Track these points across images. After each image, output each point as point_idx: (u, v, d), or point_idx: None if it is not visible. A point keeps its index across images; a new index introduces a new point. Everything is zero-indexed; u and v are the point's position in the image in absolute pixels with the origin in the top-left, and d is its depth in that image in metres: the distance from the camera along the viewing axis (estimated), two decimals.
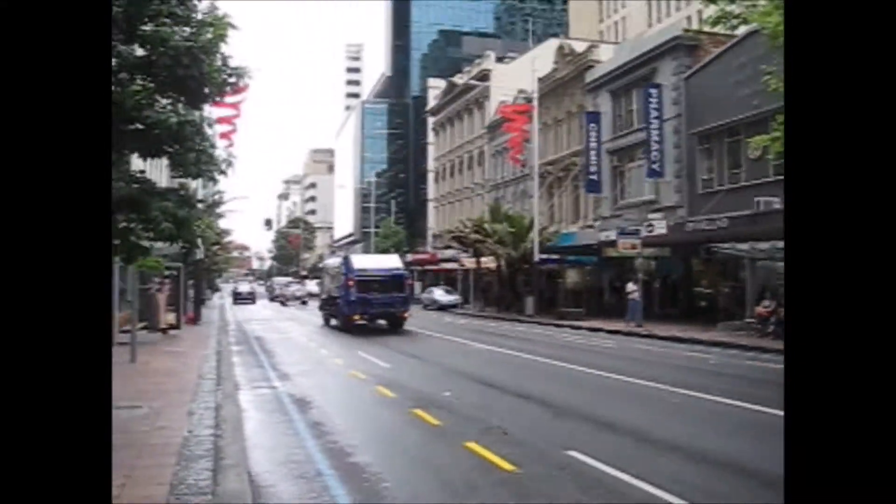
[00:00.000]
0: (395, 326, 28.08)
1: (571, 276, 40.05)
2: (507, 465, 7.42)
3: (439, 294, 49.08)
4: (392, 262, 30.76)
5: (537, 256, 35.81)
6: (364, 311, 27.37)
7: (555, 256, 37.65)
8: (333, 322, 30.47)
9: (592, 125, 36.67)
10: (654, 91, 31.23)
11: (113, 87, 9.78)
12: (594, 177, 36.39)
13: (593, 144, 36.36)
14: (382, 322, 28.36)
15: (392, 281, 28.02)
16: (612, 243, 29.22)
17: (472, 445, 8.26)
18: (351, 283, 27.38)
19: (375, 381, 13.82)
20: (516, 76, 46.86)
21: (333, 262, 35.63)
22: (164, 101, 9.88)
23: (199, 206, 11.76)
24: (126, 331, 16.82)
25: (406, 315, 28.38)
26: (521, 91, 44.53)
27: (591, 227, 37.38)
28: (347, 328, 27.41)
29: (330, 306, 31.60)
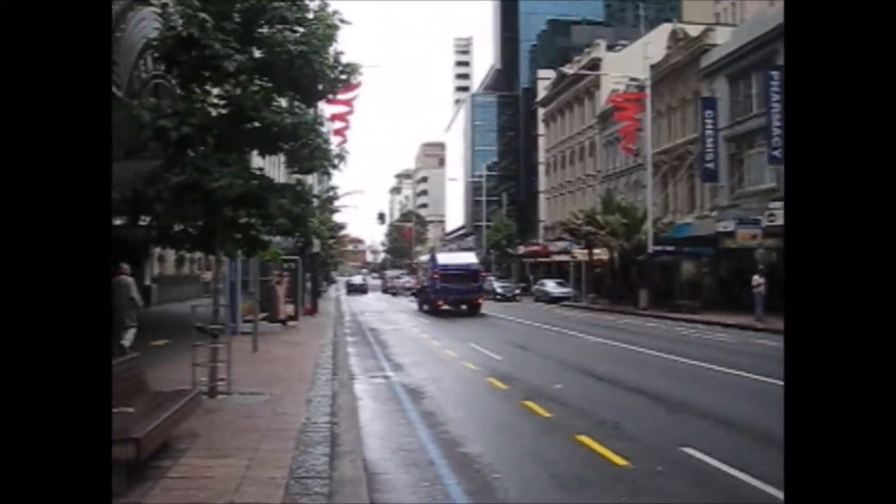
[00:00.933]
0: (472, 311, 33.32)
1: (686, 269, 38.83)
2: (619, 460, 7.31)
3: (551, 286, 48.67)
4: (468, 258, 38.21)
5: (651, 248, 34.93)
6: (446, 297, 33.31)
7: (669, 248, 36.56)
8: (425, 307, 36.02)
9: (708, 111, 35.34)
10: (775, 74, 29.70)
11: (233, 89, 10.28)
12: (711, 165, 35.09)
13: (710, 131, 35.05)
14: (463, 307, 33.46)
15: (468, 274, 34.31)
16: (731, 234, 28.13)
17: (584, 439, 8.18)
18: (436, 275, 34.10)
19: (487, 373, 13.90)
20: (627, 64, 45.71)
21: (425, 258, 45.30)
22: (281, 100, 10.25)
23: (315, 201, 12.13)
24: (249, 321, 17.58)
25: (480, 301, 34.52)
26: (632, 79, 43.44)
27: (707, 217, 36.10)
28: (435, 312, 33.16)
29: (422, 294, 38.79)
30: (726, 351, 17.75)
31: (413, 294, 50.10)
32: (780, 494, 6.16)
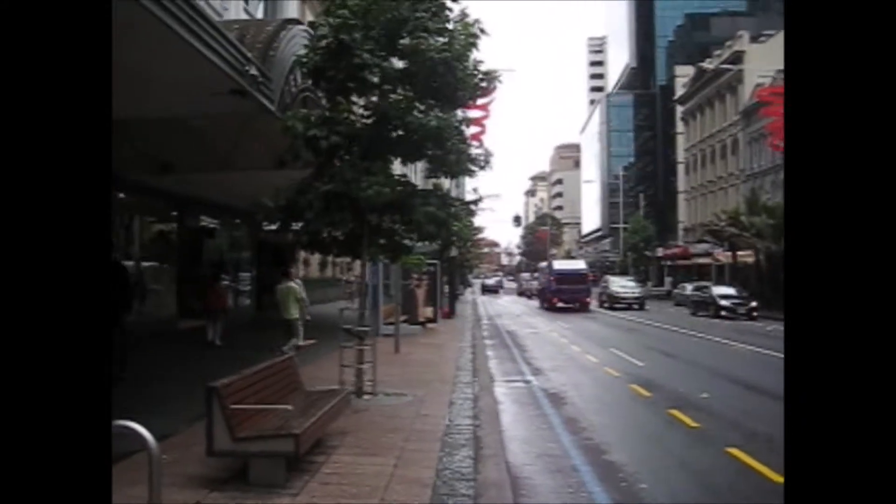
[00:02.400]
0: (582, 308, 40.13)
1: None
2: (775, 476, 6.96)
3: (692, 290, 46.95)
4: (578, 264, 48.06)
5: None
6: (560, 296, 40.76)
7: None
8: (544, 305, 43.54)
9: None
10: None
11: (376, 98, 10.62)
12: None
13: None
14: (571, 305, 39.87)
15: (578, 277, 42.14)
16: None
17: (735, 451, 7.86)
18: (552, 279, 42.34)
19: (629, 379, 13.61)
20: (773, 55, 43.40)
21: (544, 265, 53.85)
22: (422, 108, 10.47)
23: (458, 206, 12.30)
24: (390, 323, 18.06)
25: (588, 300, 41.70)
26: (779, 71, 41.24)
27: None
28: (551, 308, 40.59)
29: (541, 294, 47.56)
30: None
31: (535, 294, 55.06)
32: None
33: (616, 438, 8.94)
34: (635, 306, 41.18)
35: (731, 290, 36.62)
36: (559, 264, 47.63)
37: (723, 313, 33.27)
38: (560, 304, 40.21)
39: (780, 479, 6.83)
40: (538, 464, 7.65)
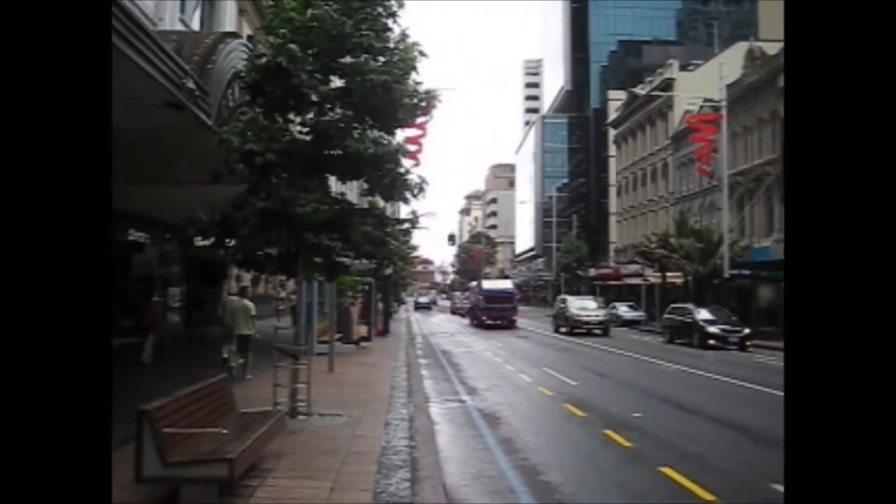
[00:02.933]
0: (509, 326, 41.49)
1: (764, 294, 37.69)
2: (706, 495, 7.10)
3: (623, 310, 47.91)
4: (506, 284, 50.87)
5: (727, 272, 34.06)
6: (488, 314, 42.61)
7: (746, 272, 35.61)
8: (474, 322, 45.29)
9: None
10: None
11: (315, 117, 10.53)
12: None
13: None
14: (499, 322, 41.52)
15: (506, 296, 44.56)
16: None
17: (668, 471, 7.99)
18: (481, 297, 44.78)
19: (563, 399, 13.73)
20: (702, 83, 44.94)
21: (473, 284, 56.70)
22: (361, 128, 10.42)
23: (397, 227, 12.25)
24: (324, 341, 17.84)
25: (515, 318, 43.35)
26: (707, 99, 42.68)
27: None
28: (480, 325, 42.44)
29: (471, 312, 49.41)
30: None
31: (465, 312, 55.89)
32: None
33: (552, 459, 8.99)
34: (597, 331, 35.40)
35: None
36: (488, 284, 49.50)
37: (711, 342, 27.66)
38: (489, 322, 41.80)
39: (711, 498, 6.99)
40: (475, 485, 7.63)
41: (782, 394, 13.94)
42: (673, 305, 34.35)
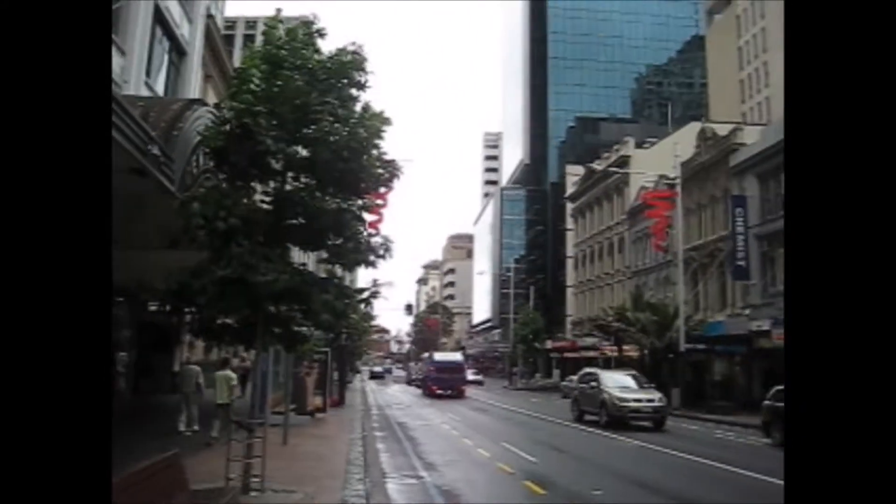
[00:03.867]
0: (458, 396, 43.90)
1: (719, 368, 38.13)
2: None
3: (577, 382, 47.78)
4: (455, 356, 54.57)
5: (683, 346, 34.40)
6: (439, 385, 45.42)
7: (701, 346, 36.04)
8: (426, 392, 47.02)
9: (739, 209, 35.49)
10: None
11: (279, 185, 10.49)
12: (742, 263, 34.96)
13: (740, 229, 35.10)
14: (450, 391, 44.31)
15: (455, 367, 47.95)
16: (765, 333, 27.63)
17: None
18: (432, 368, 48.08)
19: (523, 476, 13.47)
20: (656, 161, 46.37)
21: (426, 355, 61.27)
22: (324, 197, 10.40)
23: (355, 297, 12.14)
24: (279, 412, 17.41)
25: (463, 388, 45.96)
26: (661, 176, 43.93)
27: (739, 315, 35.67)
28: (431, 395, 44.73)
29: (423, 382, 50.90)
30: (768, 457, 17.13)
31: (418, 383, 57.41)
32: None
33: None
34: (647, 423, 24.43)
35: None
36: (438, 356, 53.39)
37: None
38: (439, 391, 44.74)
39: None
40: None
41: (749, 472, 13.85)
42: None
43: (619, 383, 26.29)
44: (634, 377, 27.88)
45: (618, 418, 24.11)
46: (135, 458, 6.73)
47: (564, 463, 16.37)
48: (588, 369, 30.77)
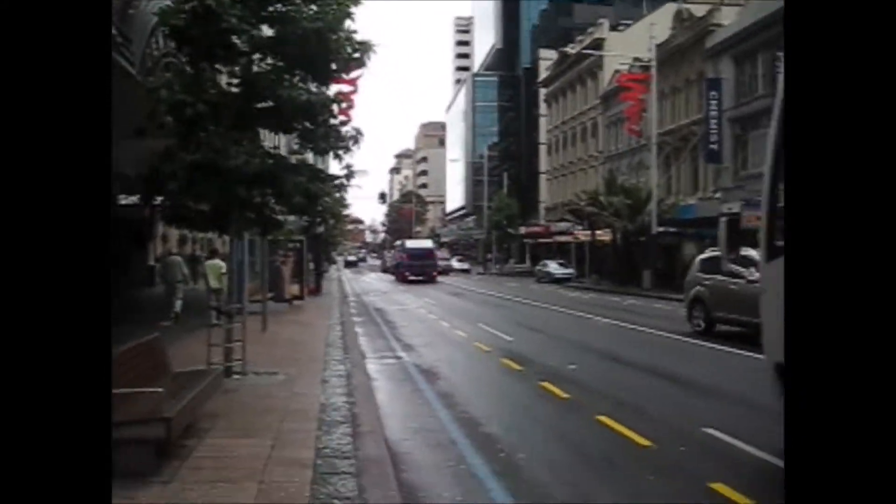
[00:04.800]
0: (430, 280, 46.92)
1: (690, 250, 38.76)
2: (642, 441, 7.28)
3: (553, 267, 48.72)
4: (426, 243, 57.94)
5: (655, 229, 34.86)
6: (410, 271, 48.05)
7: (673, 229, 36.55)
8: (399, 279, 49.56)
9: (713, 92, 35.23)
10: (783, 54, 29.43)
11: (245, 68, 10.12)
12: (715, 146, 35.02)
13: (714, 112, 34.96)
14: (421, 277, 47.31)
15: (426, 253, 50.74)
16: (736, 216, 27.93)
17: (605, 419, 8.16)
18: (404, 256, 50.53)
19: (500, 354, 13.86)
20: (631, 44, 45.36)
21: (398, 243, 61.40)
22: (292, 79, 10.08)
23: (329, 181, 12.00)
24: (256, 300, 17.53)
25: (435, 274, 49.26)
26: (636, 59, 43.18)
27: (711, 198, 36.03)
28: (403, 281, 47.26)
29: (396, 269, 53.52)
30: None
31: (391, 269, 60.09)
32: None
33: (492, 411, 9.08)
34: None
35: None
36: (410, 243, 55.70)
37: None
38: (411, 277, 47.13)
39: (647, 443, 7.16)
40: (416, 438, 7.63)
41: (694, 342, 14.28)
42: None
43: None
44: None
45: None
46: (119, 342, 6.76)
47: (541, 341, 16.82)
48: (712, 251, 18.46)
